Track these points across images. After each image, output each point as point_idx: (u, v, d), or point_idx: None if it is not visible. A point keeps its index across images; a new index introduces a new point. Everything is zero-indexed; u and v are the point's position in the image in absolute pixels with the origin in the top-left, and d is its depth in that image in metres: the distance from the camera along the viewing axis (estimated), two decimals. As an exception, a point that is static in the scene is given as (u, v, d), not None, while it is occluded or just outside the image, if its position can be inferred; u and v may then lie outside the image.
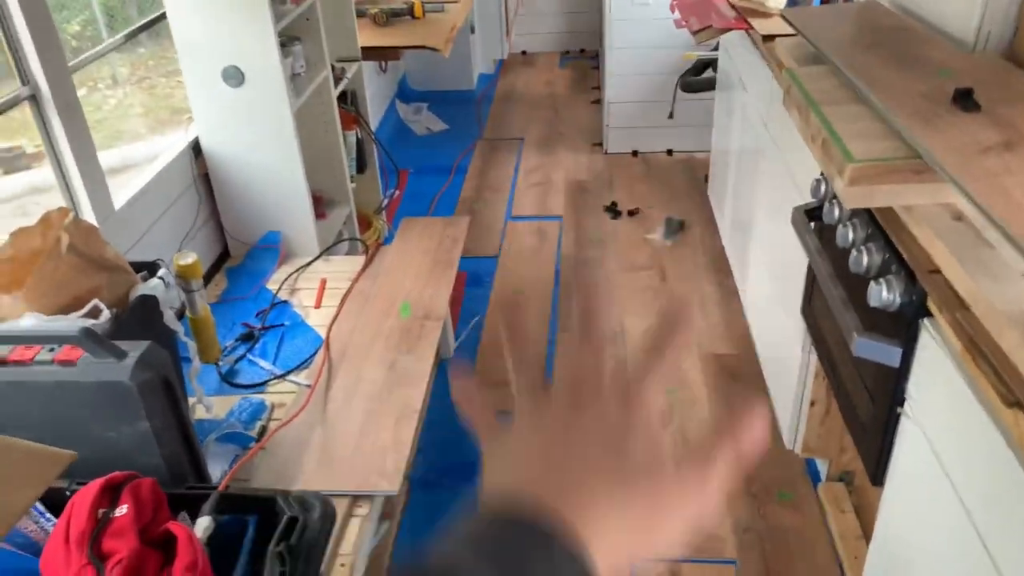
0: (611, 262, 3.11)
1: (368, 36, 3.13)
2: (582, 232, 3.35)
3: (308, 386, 1.84)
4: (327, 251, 2.45)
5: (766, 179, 2.22)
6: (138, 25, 2.35)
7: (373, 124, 3.55)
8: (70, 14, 2.38)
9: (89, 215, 1.85)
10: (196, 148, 2.33)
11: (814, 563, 1.81)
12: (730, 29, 2.42)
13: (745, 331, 2.57)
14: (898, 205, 1.20)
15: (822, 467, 2.03)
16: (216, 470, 1.56)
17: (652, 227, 3.32)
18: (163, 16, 2.18)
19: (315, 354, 1.96)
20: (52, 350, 1.30)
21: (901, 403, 1.22)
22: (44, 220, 1.45)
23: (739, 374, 2.43)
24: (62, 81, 1.74)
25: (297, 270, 2.33)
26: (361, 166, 2.98)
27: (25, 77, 1.68)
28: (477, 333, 2.71)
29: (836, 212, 1.45)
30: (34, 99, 1.73)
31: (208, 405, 1.75)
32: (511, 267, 3.11)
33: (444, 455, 2.19)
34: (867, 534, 1.81)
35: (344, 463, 1.62)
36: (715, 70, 3.24)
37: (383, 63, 4.24)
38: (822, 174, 1.56)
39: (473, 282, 3.03)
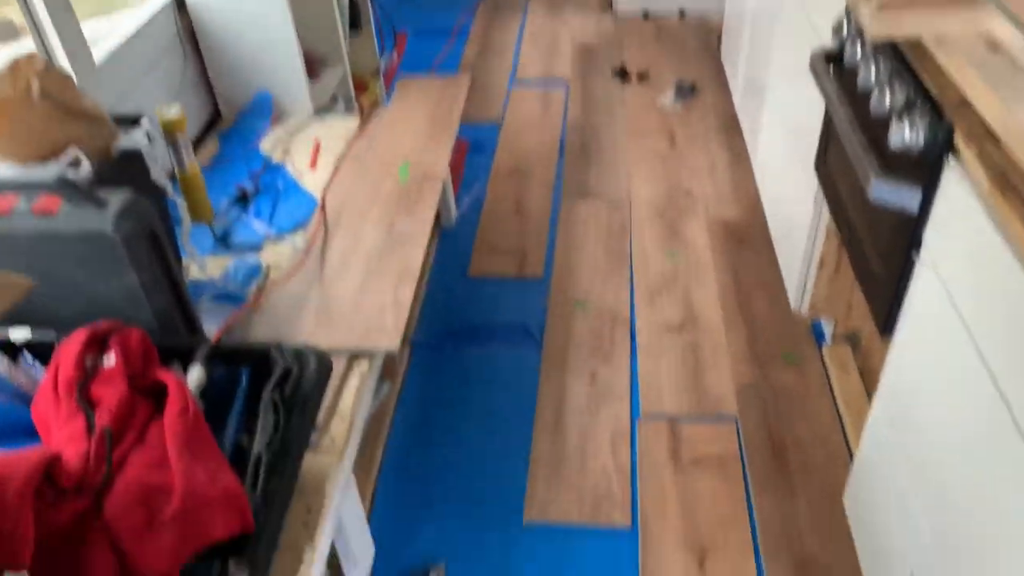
0: (619, 127, 3.00)
1: None
2: (589, 97, 3.22)
3: (304, 247, 1.80)
4: (321, 112, 2.36)
5: (783, 31, 2.09)
6: None
7: (369, -17, 3.34)
8: None
9: (67, 70, 1.75)
10: (180, 3, 2.20)
11: (816, 422, 1.81)
12: None
13: (754, 196, 2.49)
14: (928, 34, 1.10)
15: (827, 329, 2.01)
16: (211, 329, 1.53)
17: (662, 91, 3.18)
18: None
19: (311, 216, 1.91)
20: (30, 200, 1.24)
21: (917, 249, 1.16)
22: (12, 67, 1.36)
23: (747, 238, 2.37)
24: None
25: (290, 131, 2.25)
26: (355, 24, 2.82)
27: (-18, -89, 1.55)
28: (479, 202, 2.64)
29: (858, 51, 1.35)
30: (-4, -61, 1.60)
31: (202, 265, 1.71)
32: (515, 134, 3.00)
33: (446, 320, 2.17)
34: (871, 395, 1.80)
35: (342, 321, 1.59)
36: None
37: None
38: (846, 11, 1.44)
39: (475, 149, 2.93)
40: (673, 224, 2.47)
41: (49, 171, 1.28)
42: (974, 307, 1.00)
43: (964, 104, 1.03)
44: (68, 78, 1.43)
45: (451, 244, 2.47)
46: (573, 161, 2.83)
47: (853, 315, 1.89)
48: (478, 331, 2.13)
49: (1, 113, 1.32)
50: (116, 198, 1.23)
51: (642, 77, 3.31)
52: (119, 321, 1.16)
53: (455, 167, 2.81)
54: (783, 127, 2.11)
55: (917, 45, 1.16)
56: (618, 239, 2.42)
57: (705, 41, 3.56)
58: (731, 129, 2.88)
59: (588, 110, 3.13)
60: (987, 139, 0.96)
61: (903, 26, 1.10)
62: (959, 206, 1.03)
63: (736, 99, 2.85)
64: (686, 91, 3.12)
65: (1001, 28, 1.04)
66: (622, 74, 3.33)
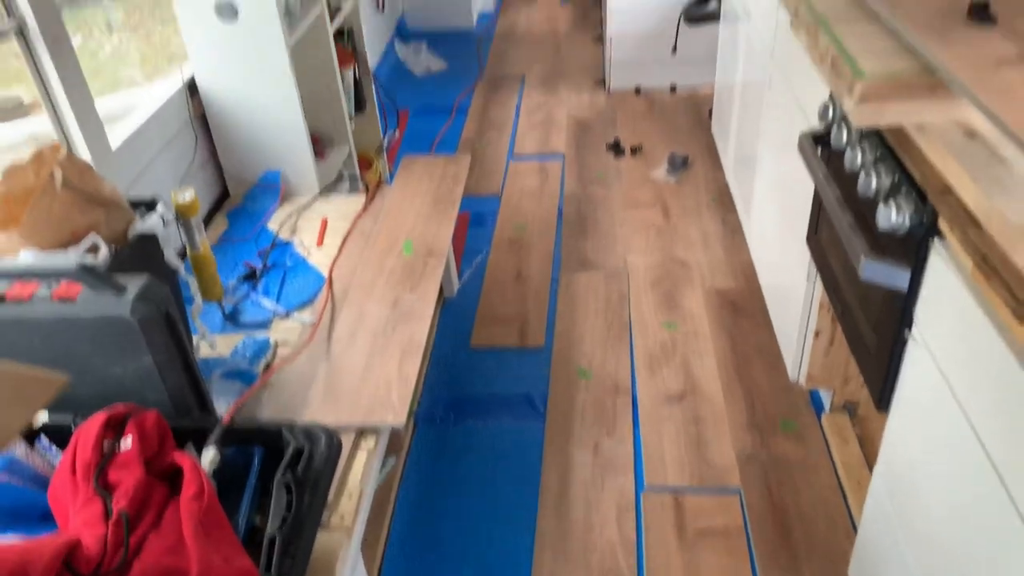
0: (614, 200, 3.08)
1: (363, -30, 3.04)
2: (585, 170, 3.31)
3: (311, 324, 1.84)
4: (327, 190, 2.43)
5: (771, 109, 2.18)
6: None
7: (372, 64, 3.48)
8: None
9: (85, 155, 1.82)
10: (192, 88, 2.29)
11: (817, 492, 1.82)
12: (736, -46, 2.35)
13: (748, 266, 2.55)
14: (909, 123, 1.17)
15: (826, 398, 2.04)
16: (221, 406, 1.56)
17: (655, 164, 3.27)
18: (151, -52, 2.12)
19: (318, 292, 1.96)
20: (50, 286, 1.29)
21: (909, 327, 1.20)
22: (36, 157, 1.43)
23: (742, 308, 2.42)
24: (49, 13, 1.69)
25: (298, 210, 2.31)
26: (360, 105, 2.93)
27: (10, 9, 1.64)
28: (480, 273, 2.70)
29: (844, 135, 1.42)
30: (22, 34, 1.68)
31: (212, 343, 1.75)
32: (514, 206, 3.08)
33: (449, 392, 2.20)
34: (870, 463, 1.82)
35: (349, 397, 1.62)
36: (719, 1, 3.16)
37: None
38: (831, 97, 1.52)
39: (476, 222, 3.00)
40: (670, 294, 2.52)
41: (70, 258, 1.33)
42: (966, 386, 1.03)
43: (947, 190, 1.09)
44: (89, 167, 1.48)
45: (453, 315, 2.51)
46: (571, 232, 2.89)
47: (850, 385, 1.93)
48: (481, 402, 2.15)
49: (25, 202, 1.38)
50: (133, 283, 1.28)
51: (636, 150, 3.41)
52: (136, 404, 1.19)
53: (457, 239, 2.87)
54: (774, 200, 2.17)
55: (900, 132, 1.22)
56: (617, 309, 2.47)
57: (696, 115, 3.68)
58: (724, 200, 2.96)
59: (584, 182, 3.22)
60: (969, 224, 1.02)
61: (885, 116, 1.16)
62: (946, 287, 1.07)
63: (728, 171, 2.94)
64: (679, 164, 3.21)
65: (976, 117, 1.10)
66: (616, 148, 3.43)
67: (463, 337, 2.41)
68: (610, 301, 2.51)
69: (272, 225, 2.25)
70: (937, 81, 1.12)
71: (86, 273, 1.23)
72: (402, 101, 3.92)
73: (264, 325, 1.86)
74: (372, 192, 2.38)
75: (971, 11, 1.21)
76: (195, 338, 1.70)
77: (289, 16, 2.29)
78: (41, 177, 1.41)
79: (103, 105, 1.94)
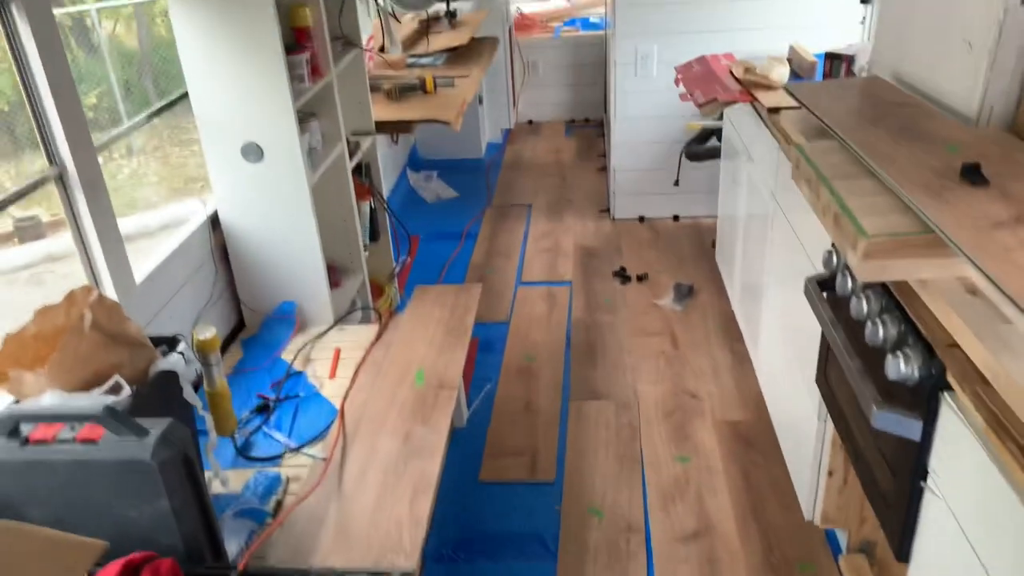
0: (622, 327, 3.12)
1: (381, 110, 3.21)
2: (592, 297, 3.37)
3: (323, 459, 1.84)
4: (341, 320, 2.47)
5: (775, 247, 2.25)
6: (161, 104, 2.42)
7: (384, 192, 3.61)
8: (87, 87, 2.46)
9: (110, 290, 1.87)
10: (213, 221, 2.38)
11: (839, 639, 1.77)
12: (734, 102, 2.48)
13: (758, 397, 2.56)
14: (912, 278, 1.21)
15: (842, 537, 2.00)
16: (232, 546, 1.54)
17: (661, 292, 3.34)
18: (185, 95, 2.25)
19: (330, 426, 1.96)
20: (74, 428, 1.30)
21: (924, 477, 1.21)
22: (68, 298, 1.48)
23: (754, 441, 2.41)
24: (88, 162, 1.79)
25: (312, 339, 2.35)
26: (374, 235, 3.03)
27: (52, 157, 1.73)
28: (489, 402, 2.71)
29: (849, 284, 1.47)
30: (60, 178, 1.77)
31: (224, 479, 1.74)
32: (522, 332, 3.12)
33: (458, 529, 2.16)
34: (892, 608, 1.77)
35: (361, 539, 1.60)
36: (719, 138, 3.31)
37: (395, 135, 4.34)
38: (833, 245, 1.58)
39: (484, 348, 3.03)
40: (681, 425, 2.51)
41: (94, 401, 1.36)
42: (984, 538, 1.03)
43: (953, 344, 1.12)
44: (117, 307, 1.53)
45: (462, 446, 2.49)
46: (580, 359, 2.92)
47: (866, 525, 1.90)
48: (491, 540, 2.11)
49: (53, 342, 1.41)
50: (155, 427, 1.30)
51: (641, 278, 3.48)
52: (152, 552, 1.18)
53: (466, 366, 2.89)
54: (782, 337, 2.21)
55: (904, 284, 1.27)
56: (628, 442, 2.46)
57: (699, 244, 3.78)
58: (730, 330, 3.00)
59: (591, 309, 3.27)
60: (978, 381, 1.04)
61: (888, 272, 1.21)
62: (959, 441, 1.09)
63: (734, 301, 2.99)
64: (684, 293, 3.27)
65: (977, 278, 1.15)
66: (622, 275, 3.51)
67: (472, 470, 2.39)
68: (620, 433, 2.51)
69: (286, 355, 2.28)
70: (937, 240, 1.17)
71: (110, 417, 1.25)
72: (413, 227, 4.03)
73: (275, 460, 1.86)
74: (385, 321, 2.42)
75: (964, 172, 1.29)
76: (207, 474, 1.70)
77: (312, 156, 2.41)
78: (72, 318, 1.45)
79: (121, 226, 2.00)
